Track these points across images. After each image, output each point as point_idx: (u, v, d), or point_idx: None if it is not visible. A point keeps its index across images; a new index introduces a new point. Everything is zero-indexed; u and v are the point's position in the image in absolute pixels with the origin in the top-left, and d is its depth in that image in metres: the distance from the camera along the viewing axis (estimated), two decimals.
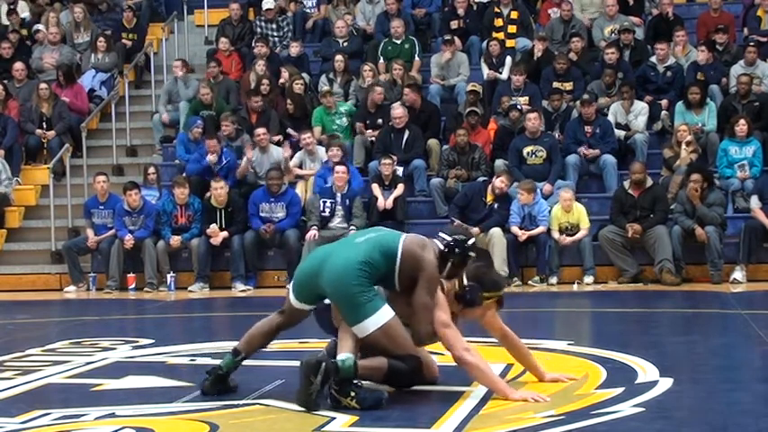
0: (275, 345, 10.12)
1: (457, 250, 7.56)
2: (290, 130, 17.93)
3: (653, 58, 18.36)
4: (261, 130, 17.08)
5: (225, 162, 16.99)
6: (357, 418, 6.85)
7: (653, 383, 7.71)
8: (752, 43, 18.24)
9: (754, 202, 15.59)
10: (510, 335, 7.88)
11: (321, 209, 16.12)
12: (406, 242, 7.50)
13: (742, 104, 17.14)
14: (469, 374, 7.41)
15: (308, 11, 21.21)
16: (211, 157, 16.71)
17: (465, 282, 7.62)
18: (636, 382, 7.73)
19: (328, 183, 16.37)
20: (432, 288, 7.35)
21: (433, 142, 17.42)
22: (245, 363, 7.89)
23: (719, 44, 18.58)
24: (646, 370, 8.11)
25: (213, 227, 16.06)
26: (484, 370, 7.35)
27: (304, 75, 18.96)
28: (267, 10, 20.50)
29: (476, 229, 15.14)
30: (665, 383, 7.66)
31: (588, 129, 16.92)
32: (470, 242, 7.65)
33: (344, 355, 7.15)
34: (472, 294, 7.59)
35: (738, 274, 15.07)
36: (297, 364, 7.17)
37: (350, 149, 17.49)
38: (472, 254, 7.60)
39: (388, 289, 7.40)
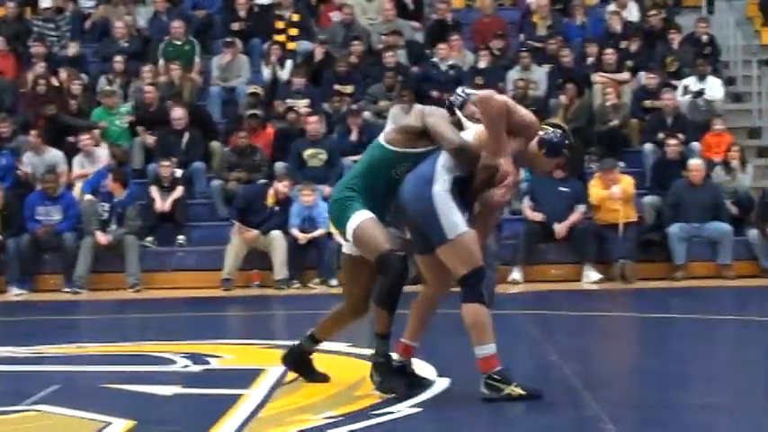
0: (52, 349, 9.99)
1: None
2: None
3: (435, 58, 18.61)
4: (34, 132, 16.78)
5: (2, 163, 16.66)
6: (135, 423, 6.78)
7: (429, 383, 7.81)
8: (524, 49, 18.64)
9: (526, 202, 15.92)
10: None
11: (99, 213, 15.90)
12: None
13: None
14: (486, 109, 6.98)
15: (86, 10, 20.87)
16: None
17: (549, 128, 7.33)
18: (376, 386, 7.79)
19: (107, 186, 16.16)
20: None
21: (214, 144, 17.35)
22: (20, 368, 7.73)
23: (497, 49, 18.93)
24: (423, 370, 8.19)
25: None
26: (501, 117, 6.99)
27: (83, 75, 18.69)
28: (44, 9, 20.16)
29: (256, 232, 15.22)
30: (443, 383, 7.77)
31: (355, 135, 17.03)
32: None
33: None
34: (560, 140, 7.26)
35: (517, 274, 15.38)
36: (71, 369, 7.07)
37: (130, 151, 17.32)
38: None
39: None
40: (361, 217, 7.26)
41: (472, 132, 7.21)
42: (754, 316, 12.71)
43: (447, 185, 7.10)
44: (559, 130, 7.32)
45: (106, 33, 20.13)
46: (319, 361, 8.30)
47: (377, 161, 7.32)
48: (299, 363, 8.02)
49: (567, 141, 7.28)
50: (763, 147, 17.90)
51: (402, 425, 6.76)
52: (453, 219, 7.09)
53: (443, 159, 7.12)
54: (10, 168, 16.75)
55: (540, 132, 7.26)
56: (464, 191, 7.16)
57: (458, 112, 7.32)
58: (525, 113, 7.18)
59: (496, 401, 7.07)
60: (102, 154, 17.01)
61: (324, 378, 7.94)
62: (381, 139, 7.38)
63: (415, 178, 7.17)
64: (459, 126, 7.30)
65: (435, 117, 7.24)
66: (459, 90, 7.50)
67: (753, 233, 15.64)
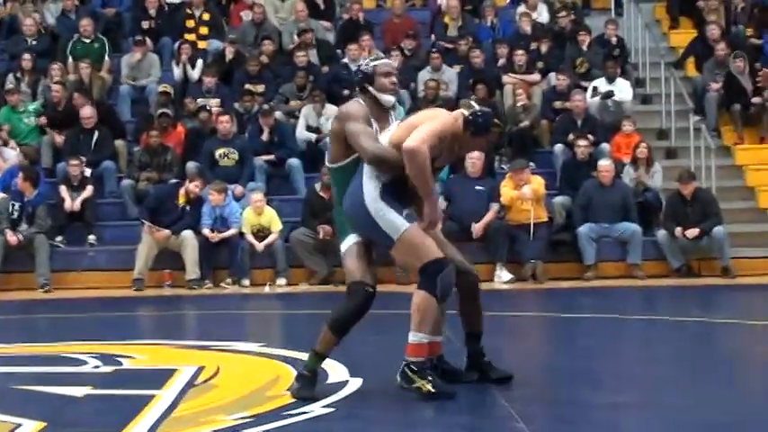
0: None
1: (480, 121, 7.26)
2: None
3: (345, 59, 18.65)
4: None
5: None
6: (45, 424, 6.75)
7: (343, 383, 7.84)
8: (435, 49, 18.74)
9: (441, 203, 15.99)
10: None
11: (10, 211, 15.78)
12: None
13: (430, 108, 17.53)
14: (410, 163, 7.02)
15: None
16: None
17: (477, 107, 7.35)
18: (326, 382, 7.84)
19: (16, 186, 16.04)
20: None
21: (119, 143, 17.27)
22: None
23: (408, 49, 19.01)
24: (336, 370, 8.22)
25: None
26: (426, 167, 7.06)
27: None
28: None
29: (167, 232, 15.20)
30: (355, 383, 7.80)
31: (266, 135, 17.05)
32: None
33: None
34: (484, 118, 7.26)
35: None
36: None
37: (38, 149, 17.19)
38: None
39: None
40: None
41: (387, 136, 7.25)
42: (663, 315, 12.87)
43: (376, 193, 7.17)
44: (484, 108, 7.39)
45: (14, 31, 19.96)
46: (232, 361, 8.30)
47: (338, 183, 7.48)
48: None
49: (492, 118, 7.34)
50: (672, 148, 18.11)
51: (314, 425, 6.78)
52: (392, 221, 7.16)
53: (366, 169, 7.20)
54: None
55: (465, 113, 7.29)
56: (400, 189, 7.20)
57: (371, 90, 7.38)
58: (443, 126, 7.19)
59: (409, 398, 7.12)
60: (11, 153, 16.87)
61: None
62: (328, 163, 7.50)
63: (349, 194, 7.27)
64: (376, 102, 7.40)
65: (353, 124, 7.24)
66: (363, 63, 7.55)
67: (662, 234, 15.82)
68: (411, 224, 7.18)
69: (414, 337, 7.25)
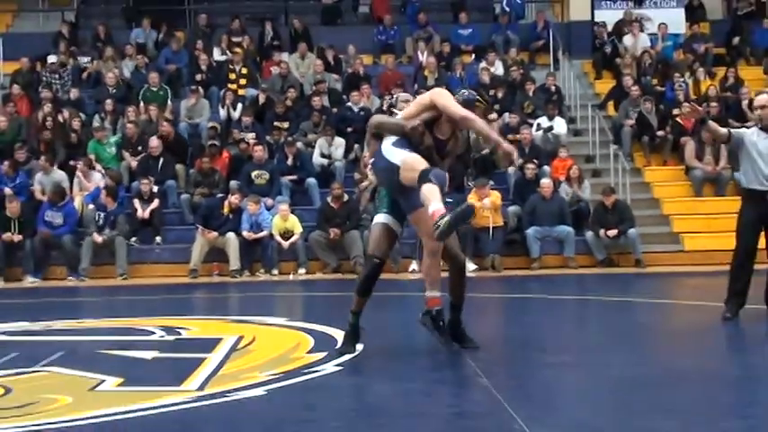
0: (59, 323, 9.85)
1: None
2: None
3: (349, 103, 18.60)
4: (43, 158, 16.61)
5: (19, 182, 16.45)
6: (123, 379, 6.71)
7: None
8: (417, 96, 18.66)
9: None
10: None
11: (97, 219, 15.75)
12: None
13: (414, 140, 17.46)
14: (472, 126, 7.42)
15: (84, 65, 20.59)
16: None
17: (466, 91, 7.63)
18: (336, 347, 7.80)
19: (101, 200, 15.99)
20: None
21: (179, 167, 17.22)
22: (34, 339, 7.60)
23: None
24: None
25: (7, 234, 15.51)
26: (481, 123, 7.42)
27: (81, 114, 18.48)
28: (51, 63, 19.90)
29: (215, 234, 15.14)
30: (358, 348, 7.77)
31: (290, 160, 16.99)
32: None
33: None
34: (471, 96, 7.51)
35: (415, 266, 15.32)
36: (74, 339, 6.99)
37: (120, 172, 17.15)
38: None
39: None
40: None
41: (401, 114, 7.58)
42: (592, 296, 12.85)
43: (389, 143, 7.40)
44: (470, 90, 7.68)
45: (99, 82, 19.89)
46: (265, 332, 8.26)
47: None
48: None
49: (476, 96, 7.57)
50: (597, 169, 18.08)
51: (326, 380, 6.76)
52: (397, 153, 7.31)
53: (385, 140, 7.44)
54: (25, 186, 16.54)
55: (456, 96, 7.51)
56: (406, 143, 7.36)
57: (395, 111, 7.75)
58: (451, 100, 7.41)
59: (398, 359, 7.07)
60: (97, 176, 16.84)
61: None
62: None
63: (376, 153, 7.48)
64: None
65: (379, 116, 7.75)
66: (392, 96, 8.04)
67: (589, 234, 15.81)
68: (409, 153, 7.29)
69: (431, 206, 7.05)
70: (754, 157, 9.09)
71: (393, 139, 7.41)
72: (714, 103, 17.89)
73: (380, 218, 7.60)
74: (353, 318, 7.66)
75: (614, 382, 6.61)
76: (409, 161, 7.23)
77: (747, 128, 9.87)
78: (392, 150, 7.35)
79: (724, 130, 9.29)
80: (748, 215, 9.18)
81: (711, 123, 9.24)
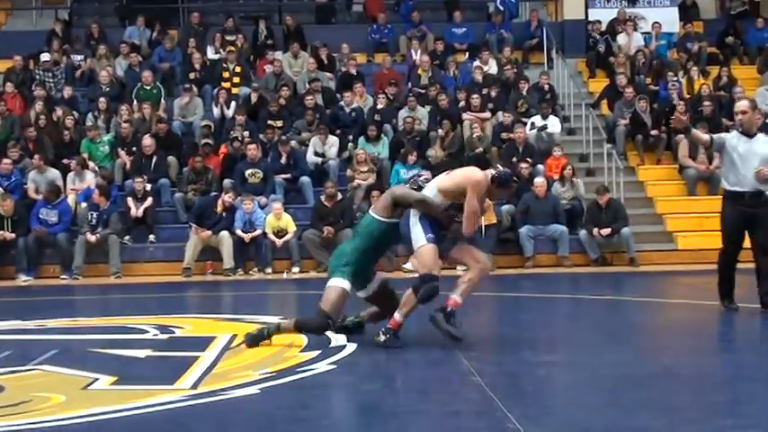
0: (52, 322, 9.85)
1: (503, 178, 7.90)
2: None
3: (342, 102, 18.61)
4: (37, 156, 16.59)
5: (13, 180, 16.44)
6: (117, 377, 6.72)
7: (342, 347, 7.83)
8: (411, 94, 18.74)
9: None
10: None
11: (90, 219, 15.74)
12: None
13: (407, 139, 17.53)
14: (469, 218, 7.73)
15: (77, 63, 20.57)
16: None
17: (501, 168, 8.02)
18: (329, 346, 7.82)
19: (94, 199, 15.98)
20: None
21: (173, 165, 17.19)
22: (27, 337, 7.61)
23: (391, 94, 18.97)
24: (336, 337, 8.20)
25: (0, 232, 15.50)
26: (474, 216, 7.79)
27: (74, 112, 18.47)
28: (44, 61, 19.87)
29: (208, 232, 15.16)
30: (352, 347, 7.80)
31: (284, 159, 17.00)
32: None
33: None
34: (506, 175, 7.89)
35: (409, 264, 15.33)
36: (67, 337, 7.01)
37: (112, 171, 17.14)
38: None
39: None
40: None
41: (435, 183, 7.93)
42: (585, 295, 12.88)
43: (414, 218, 7.81)
44: (506, 169, 8.03)
45: (92, 80, 19.88)
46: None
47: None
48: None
49: (512, 176, 8.00)
50: (591, 168, 18.10)
51: (320, 378, 6.78)
52: (419, 237, 7.75)
53: (411, 212, 7.84)
54: (19, 184, 16.53)
55: (493, 172, 7.91)
56: (431, 221, 7.80)
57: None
58: (479, 188, 7.79)
59: (389, 358, 7.11)
60: (90, 175, 16.83)
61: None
62: (372, 213, 8.09)
63: (402, 225, 7.87)
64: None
65: (402, 189, 8.07)
66: (422, 177, 8.20)
67: (583, 233, 15.82)
68: (427, 244, 7.72)
69: (396, 314, 7.84)
70: (734, 161, 9.44)
71: (413, 216, 7.82)
72: (707, 102, 17.93)
73: (342, 282, 7.89)
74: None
75: (606, 380, 6.64)
76: (424, 257, 7.72)
77: (729, 132, 10.12)
78: (418, 231, 7.75)
79: (706, 137, 9.79)
80: (731, 216, 9.50)
81: (694, 131, 9.70)
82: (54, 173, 16.66)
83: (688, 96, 18.85)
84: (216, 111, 18.64)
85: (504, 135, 17.87)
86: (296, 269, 15.56)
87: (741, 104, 9.68)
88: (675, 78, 19.15)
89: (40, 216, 15.76)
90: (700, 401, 6.07)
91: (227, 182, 16.50)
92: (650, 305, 11.32)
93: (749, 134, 9.48)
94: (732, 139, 9.55)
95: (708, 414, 5.73)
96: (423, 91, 19.14)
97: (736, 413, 5.73)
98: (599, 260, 15.70)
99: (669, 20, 21.52)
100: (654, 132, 18.07)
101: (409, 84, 19.71)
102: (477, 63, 19.97)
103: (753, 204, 9.37)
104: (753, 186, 9.37)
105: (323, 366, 7.07)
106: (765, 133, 9.70)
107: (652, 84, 19.68)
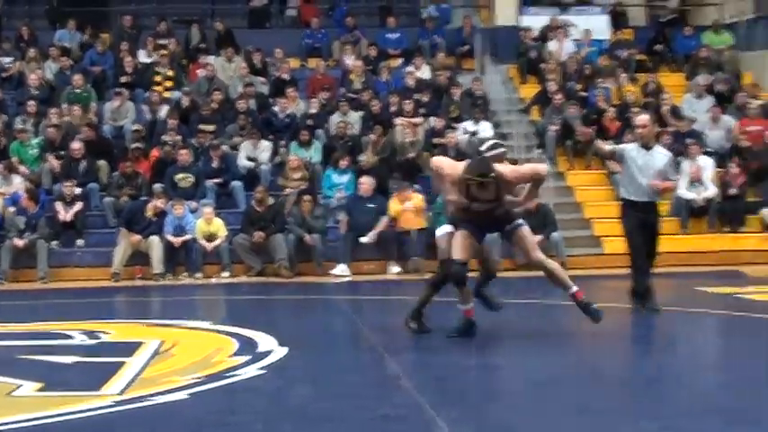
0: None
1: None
2: None
3: (275, 108, 18.57)
4: None
5: None
6: (43, 384, 6.66)
7: (272, 352, 7.82)
8: (344, 99, 18.76)
9: (342, 216, 15.97)
10: None
11: (17, 223, 15.55)
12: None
13: (339, 143, 17.53)
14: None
15: (6, 65, 20.29)
16: None
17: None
18: (258, 350, 7.81)
19: (22, 203, 15.80)
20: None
21: (103, 169, 17.03)
22: None
23: (324, 99, 18.97)
24: (266, 342, 8.20)
25: None
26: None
27: (3, 115, 18.23)
28: None
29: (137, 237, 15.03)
30: (282, 351, 7.79)
31: (215, 163, 16.95)
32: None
33: None
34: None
35: (338, 269, 15.34)
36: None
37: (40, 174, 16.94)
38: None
39: None
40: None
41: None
42: (513, 299, 12.94)
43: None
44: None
45: (21, 84, 19.64)
46: (187, 335, 8.23)
47: None
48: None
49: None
50: None
51: (249, 383, 6.77)
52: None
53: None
54: None
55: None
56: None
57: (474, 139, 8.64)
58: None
59: (319, 363, 7.10)
60: (18, 179, 16.63)
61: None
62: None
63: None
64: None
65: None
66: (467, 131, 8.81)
67: None
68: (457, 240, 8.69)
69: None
70: (633, 172, 10.10)
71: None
72: (635, 109, 18.16)
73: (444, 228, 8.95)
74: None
75: (533, 383, 6.71)
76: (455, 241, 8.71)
77: (632, 143, 10.54)
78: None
79: (609, 148, 10.67)
80: (631, 222, 10.19)
81: (597, 142, 10.84)
82: None
83: (617, 102, 19.08)
84: (147, 115, 18.50)
85: (435, 140, 17.95)
86: (226, 273, 15.49)
87: (641, 119, 10.36)
88: (604, 85, 19.38)
89: None
90: (623, 403, 6.15)
91: (157, 186, 16.38)
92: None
93: (647, 147, 10.10)
94: (632, 150, 10.16)
95: (631, 415, 5.81)
96: (355, 96, 19.16)
97: (659, 415, 5.82)
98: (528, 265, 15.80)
99: (600, 27, 21.77)
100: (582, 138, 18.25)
101: (342, 89, 19.72)
102: (409, 68, 20.04)
103: (645, 211, 10.09)
104: (648, 196, 10.08)
105: (252, 371, 7.06)
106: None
107: (582, 90, 19.88)
